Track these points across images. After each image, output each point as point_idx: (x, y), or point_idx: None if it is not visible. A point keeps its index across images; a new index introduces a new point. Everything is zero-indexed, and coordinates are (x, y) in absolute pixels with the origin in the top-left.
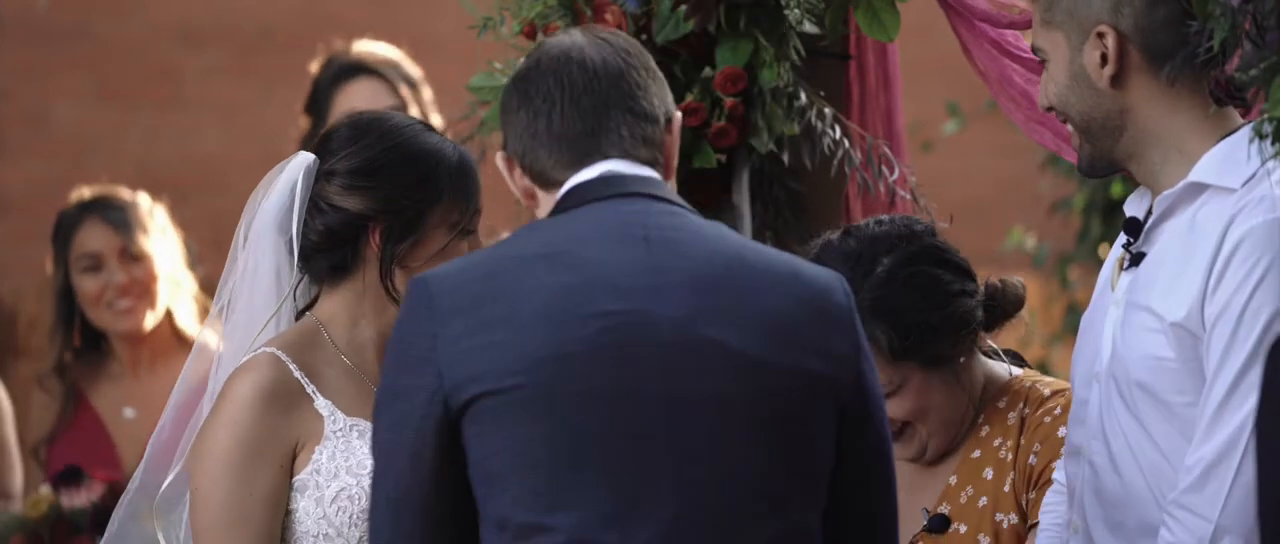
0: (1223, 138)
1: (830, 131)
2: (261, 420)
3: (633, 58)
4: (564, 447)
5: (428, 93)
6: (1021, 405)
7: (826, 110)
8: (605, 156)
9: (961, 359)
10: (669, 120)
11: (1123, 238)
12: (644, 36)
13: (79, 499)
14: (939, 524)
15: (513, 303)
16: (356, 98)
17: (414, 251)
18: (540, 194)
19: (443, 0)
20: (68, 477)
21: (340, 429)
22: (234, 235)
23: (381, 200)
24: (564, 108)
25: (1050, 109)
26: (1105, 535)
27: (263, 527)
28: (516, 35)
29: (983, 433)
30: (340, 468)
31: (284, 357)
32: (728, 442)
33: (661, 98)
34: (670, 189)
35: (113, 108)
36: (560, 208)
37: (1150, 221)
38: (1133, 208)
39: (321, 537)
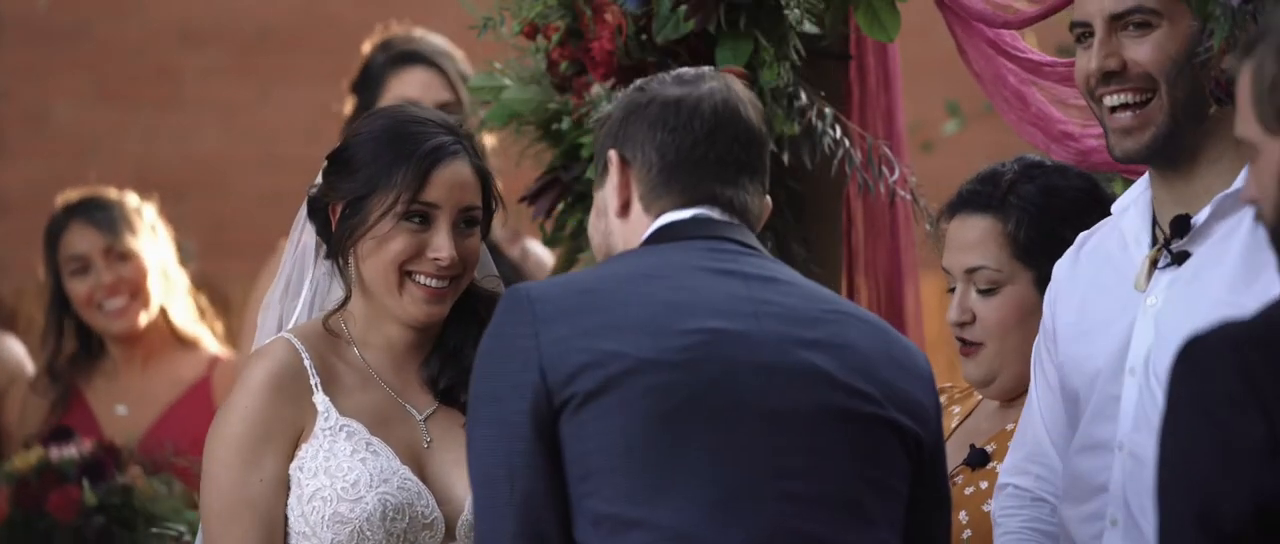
0: None
1: (830, 131)
2: (269, 405)
3: (764, 132)
4: (665, 446)
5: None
6: None
7: (826, 110)
8: (710, 201)
9: None
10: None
11: (1148, 236)
12: (644, 36)
13: (68, 452)
14: (978, 459)
15: (614, 312)
16: (410, 86)
17: (360, 232)
18: (634, 213)
19: (442, 0)
20: (57, 435)
21: (330, 428)
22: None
23: (336, 186)
24: (707, 148)
25: (1122, 71)
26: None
27: (266, 512)
28: (516, 35)
29: None
30: (319, 468)
31: (298, 344)
32: (823, 458)
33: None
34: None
35: (113, 108)
36: (652, 240)
37: (1201, 219)
38: (1133, 209)
39: (299, 534)
